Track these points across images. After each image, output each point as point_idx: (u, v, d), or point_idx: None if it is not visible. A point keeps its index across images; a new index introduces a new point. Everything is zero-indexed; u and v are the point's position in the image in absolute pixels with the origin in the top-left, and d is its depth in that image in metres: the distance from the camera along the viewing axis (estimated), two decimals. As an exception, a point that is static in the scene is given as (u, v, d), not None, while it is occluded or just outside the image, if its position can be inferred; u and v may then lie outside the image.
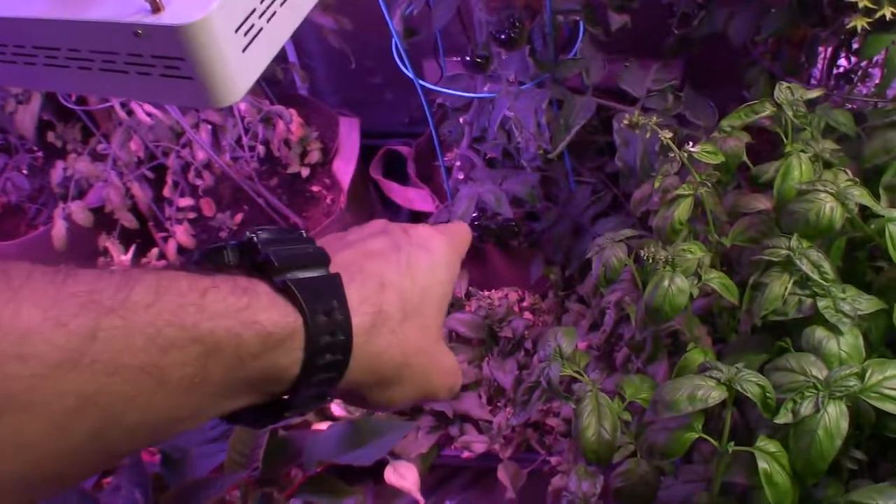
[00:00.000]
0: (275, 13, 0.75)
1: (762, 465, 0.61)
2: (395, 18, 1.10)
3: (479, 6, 1.01)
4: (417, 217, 1.46)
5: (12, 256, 1.44)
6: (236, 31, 0.70)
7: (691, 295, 0.70)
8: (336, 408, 1.21)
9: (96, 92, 0.81)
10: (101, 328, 0.32)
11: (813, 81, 1.18)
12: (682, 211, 0.75)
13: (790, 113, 0.74)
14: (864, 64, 1.10)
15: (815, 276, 0.67)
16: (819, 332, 0.66)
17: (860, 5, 0.86)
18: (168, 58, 0.69)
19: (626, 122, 0.76)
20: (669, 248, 0.72)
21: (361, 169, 1.51)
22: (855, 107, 1.08)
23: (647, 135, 0.78)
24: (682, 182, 0.82)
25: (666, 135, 0.74)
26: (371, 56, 1.62)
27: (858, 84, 1.11)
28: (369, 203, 1.55)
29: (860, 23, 0.88)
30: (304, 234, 0.44)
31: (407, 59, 1.16)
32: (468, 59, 1.01)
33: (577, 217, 1.27)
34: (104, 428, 0.32)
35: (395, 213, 1.56)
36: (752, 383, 0.61)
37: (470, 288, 1.37)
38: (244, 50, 0.72)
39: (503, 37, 0.98)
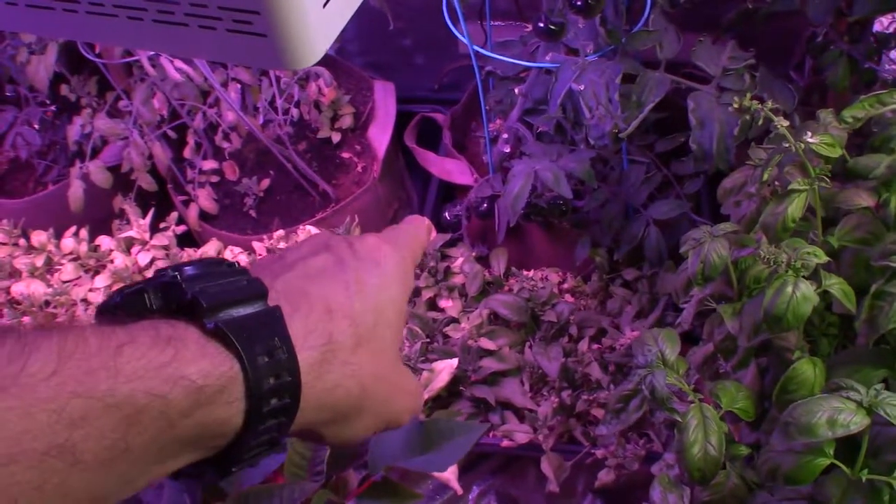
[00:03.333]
0: (356, -34, 0.67)
1: (900, 497, 0.55)
2: (454, -23, 1.01)
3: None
4: (453, 189, 1.38)
5: (21, 215, 1.35)
6: (318, -17, 0.62)
7: (811, 302, 0.63)
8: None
9: (147, 46, 0.72)
10: None
11: (891, 66, 1.11)
12: (795, 208, 0.68)
13: (925, 106, 0.67)
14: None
15: (954, 289, 0.61)
16: (960, 353, 0.59)
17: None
18: (240, 10, 0.61)
19: (735, 104, 0.69)
20: (789, 249, 0.65)
21: (394, 132, 1.43)
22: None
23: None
24: (781, 174, 0.75)
25: (782, 122, 0.67)
26: (404, 17, 1.53)
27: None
28: (399, 172, 1.47)
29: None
30: (236, 266, 0.40)
31: (463, 22, 1.07)
32: (541, 25, 0.93)
33: (629, 198, 1.20)
34: None
35: (425, 183, 1.48)
36: (895, 407, 0.55)
37: (511, 267, 1.30)
38: (325, 4, 0.64)
39: (580, 2, 0.90)
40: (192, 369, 0.32)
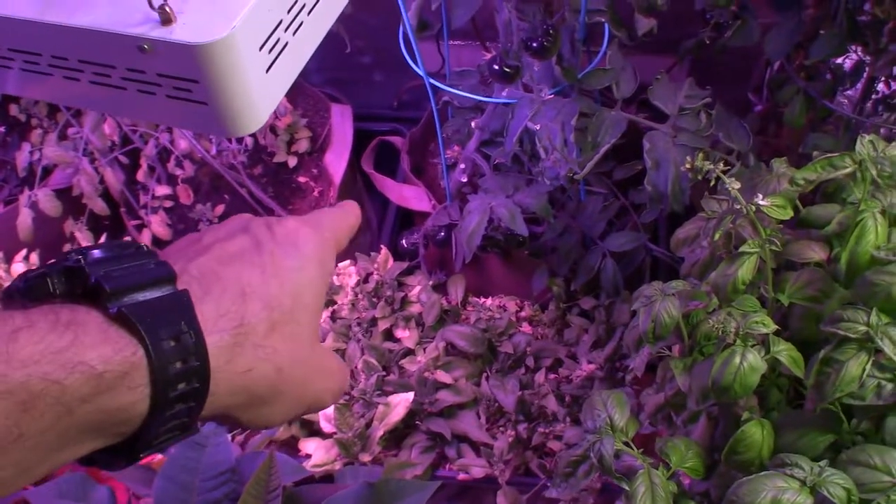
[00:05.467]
0: (301, 24, 0.65)
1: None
2: (411, 11, 1.00)
3: (507, 6, 0.91)
4: (412, 213, 1.37)
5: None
6: (261, 48, 0.60)
7: (758, 370, 0.63)
8: (325, 424, 1.13)
9: (86, 105, 0.70)
10: None
11: (845, 102, 1.12)
12: (745, 270, 0.68)
13: (874, 171, 0.67)
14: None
15: (899, 359, 0.61)
16: (905, 426, 0.60)
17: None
18: (178, 78, 0.59)
19: (687, 165, 0.68)
20: (738, 314, 0.65)
21: (351, 157, 1.41)
22: (893, 131, 1.02)
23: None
24: (733, 222, 0.75)
25: (734, 185, 0.67)
26: (362, 35, 1.51)
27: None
28: (357, 195, 1.46)
29: (928, 59, 0.81)
30: (145, 248, 0.39)
31: (419, 55, 1.06)
32: (496, 67, 0.92)
33: (587, 229, 1.19)
34: None
35: (385, 205, 1.47)
36: (838, 486, 0.55)
37: (469, 295, 1.29)
38: (268, 70, 0.62)
39: (535, 44, 0.89)
40: (91, 354, 0.32)
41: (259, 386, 0.38)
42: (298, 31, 0.65)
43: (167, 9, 0.56)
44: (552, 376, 1.19)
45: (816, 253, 0.76)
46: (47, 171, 1.34)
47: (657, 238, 1.27)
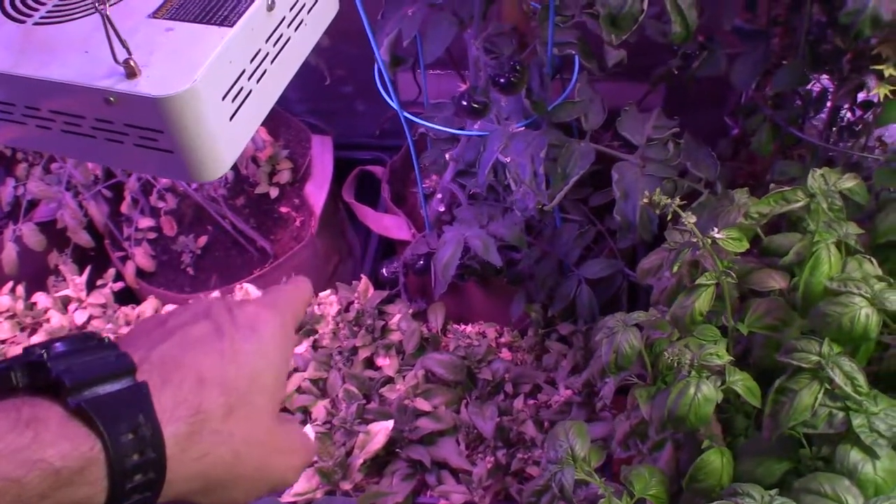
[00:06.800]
0: (265, 72, 0.67)
1: None
2: (383, 48, 1.02)
3: (475, 44, 0.94)
4: (393, 244, 1.39)
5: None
6: (223, 97, 0.63)
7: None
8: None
9: (56, 151, 0.72)
10: None
11: (819, 125, 1.14)
12: (702, 302, 0.70)
13: (825, 205, 0.69)
14: (868, 116, 1.06)
15: (849, 389, 0.62)
16: (854, 455, 0.61)
17: (886, 74, 0.82)
18: (144, 128, 0.61)
19: (645, 200, 0.70)
20: (695, 346, 0.66)
21: (332, 187, 1.43)
22: (855, 158, 1.04)
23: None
24: (694, 255, 0.77)
25: (690, 219, 0.69)
26: (343, 66, 1.53)
27: (862, 137, 1.07)
28: (339, 224, 1.48)
29: (883, 91, 0.83)
30: (107, 341, 0.40)
31: (392, 90, 1.08)
32: (464, 104, 0.94)
33: (563, 256, 1.21)
34: None
35: (367, 233, 1.49)
36: (787, 516, 0.57)
37: (450, 322, 1.30)
38: (231, 118, 0.64)
39: (503, 80, 0.91)
40: (50, 452, 0.33)
41: (216, 470, 0.39)
42: (262, 79, 0.67)
43: (132, 63, 0.59)
44: (531, 402, 1.21)
45: (777, 282, 0.78)
46: (32, 205, 1.36)
47: (634, 263, 1.28)
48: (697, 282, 0.71)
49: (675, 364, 0.65)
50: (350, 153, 1.54)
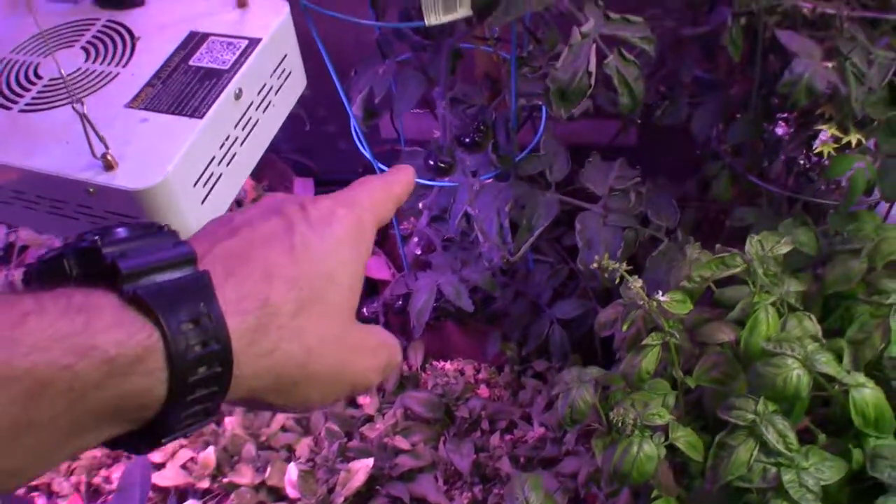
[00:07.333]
0: (234, 155, 0.72)
1: None
2: (356, 104, 1.07)
3: (442, 104, 0.99)
4: (374, 283, 1.44)
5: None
6: (195, 184, 0.67)
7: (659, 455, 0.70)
8: (291, 490, 1.19)
9: (46, 231, 0.77)
10: None
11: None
12: (649, 361, 0.75)
13: (760, 271, 0.73)
14: (825, 161, 1.10)
15: (780, 447, 0.67)
16: (784, 509, 0.66)
17: (829, 133, 0.87)
18: (122, 214, 0.66)
19: (595, 265, 0.75)
20: (639, 405, 0.71)
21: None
22: (811, 201, 1.09)
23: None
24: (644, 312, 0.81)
25: (636, 283, 0.73)
26: (325, 105, 1.58)
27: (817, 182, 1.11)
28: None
29: (828, 149, 0.88)
30: (167, 229, 0.38)
31: (365, 142, 1.13)
32: (431, 163, 0.99)
33: (536, 296, 1.26)
34: None
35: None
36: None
37: (429, 359, 1.35)
38: (203, 201, 0.69)
39: (467, 140, 0.96)
40: (104, 339, 0.31)
41: (287, 368, 0.37)
42: (232, 161, 0.71)
43: (108, 157, 0.63)
44: (507, 437, 1.25)
45: (726, 334, 0.83)
46: (24, 249, 1.41)
47: (608, 301, 1.33)
48: (644, 342, 0.75)
49: (619, 424, 0.70)
50: (332, 189, 1.59)
